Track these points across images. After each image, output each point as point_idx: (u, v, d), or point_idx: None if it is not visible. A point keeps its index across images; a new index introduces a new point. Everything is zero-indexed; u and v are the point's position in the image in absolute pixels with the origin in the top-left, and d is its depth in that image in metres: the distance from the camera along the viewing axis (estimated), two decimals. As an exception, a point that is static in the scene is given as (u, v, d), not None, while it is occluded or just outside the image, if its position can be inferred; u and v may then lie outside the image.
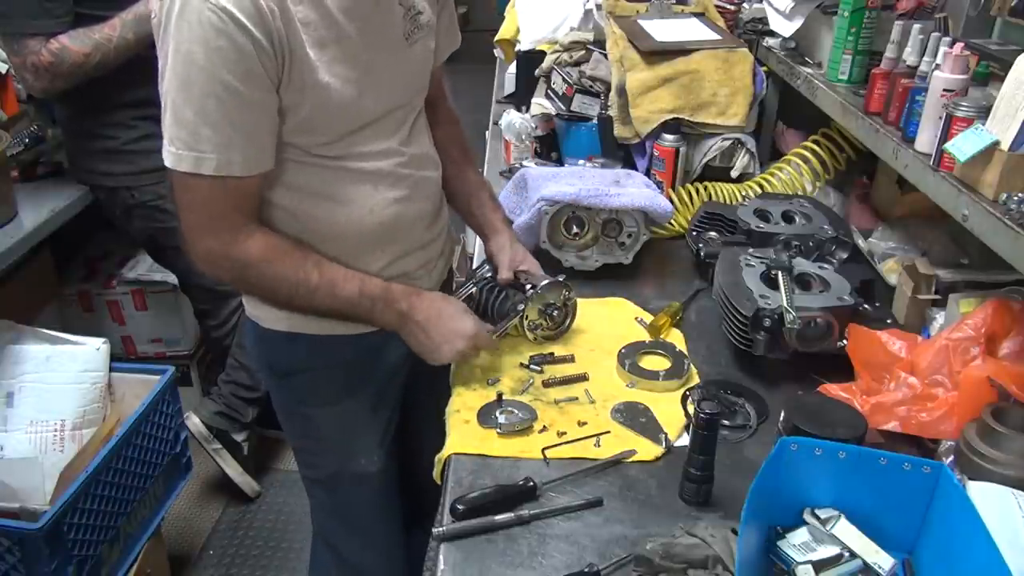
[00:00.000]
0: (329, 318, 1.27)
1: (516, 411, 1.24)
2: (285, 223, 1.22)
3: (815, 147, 1.90)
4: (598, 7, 2.20)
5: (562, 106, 2.06)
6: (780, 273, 1.37)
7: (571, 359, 1.39)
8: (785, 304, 1.30)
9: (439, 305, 1.30)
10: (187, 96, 1.05)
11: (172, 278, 2.52)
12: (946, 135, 1.17)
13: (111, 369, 1.97)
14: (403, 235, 1.30)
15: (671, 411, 1.26)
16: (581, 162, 1.92)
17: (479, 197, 1.51)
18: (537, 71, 2.22)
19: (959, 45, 1.22)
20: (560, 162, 2.07)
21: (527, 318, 1.39)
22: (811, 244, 1.56)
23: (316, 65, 1.11)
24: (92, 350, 1.93)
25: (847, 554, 0.98)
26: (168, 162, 1.10)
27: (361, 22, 1.15)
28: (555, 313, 1.42)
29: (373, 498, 1.49)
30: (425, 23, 1.27)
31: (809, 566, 0.96)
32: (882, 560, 0.97)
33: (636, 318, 1.51)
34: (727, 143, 1.91)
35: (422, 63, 1.31)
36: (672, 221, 1.76)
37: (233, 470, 2.41)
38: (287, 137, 1.16)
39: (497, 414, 1.23)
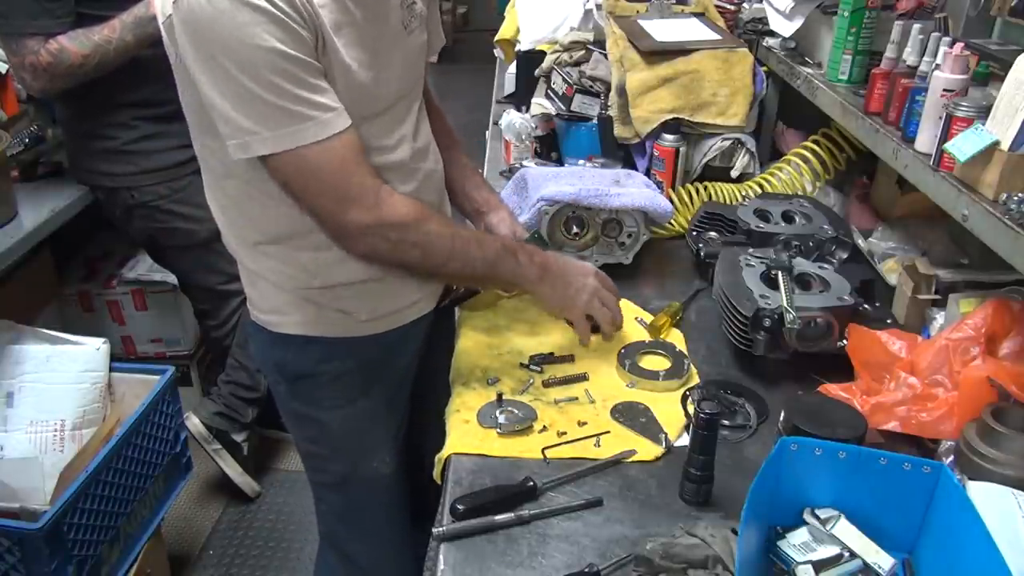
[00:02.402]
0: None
1: (516, 411, 1.24)
2: (300, 219, 1.19)
3: (815, 147, 1.90)
4: (598, 7, 2.20)
5: (562, 106, 2.06)
6: (780, 273, 1.37)
7: (571, 359, 1.39)
8: (785, 304, 1.30)
9: (555, 254, 1.36)
10: (254, 81, 1.03)
11: (172, 278, 2.52)
12: (946, 135, 1.17)
13: (111, 369, 1.97)
14: None
15: (671, 411, 1.26)
16: (581, 162, 1.92)
17: (474, 180, 1.51)
18: (537, 71, 2.22)
19: (959, 45, 1.22)
20: (560, 162, 2.07)
21: None
22: (811, 244, 1.56)
23: (337, 47, 1.11)
24: (92, 350, 1.93)
25: (847, 554, 0.98)
26: (266, 150, 1.07)
27: (364, 8, 1.15)
28: None
29: (384, 500, 1.48)
30: (419, 13, 1.28)
31: (809, 566, 0.96)
32: (882, 560, 0.97)
33: (636, 318, 1.51)
34: (727, 143, 1.91)
35: (419, 52, 1.31)
36: (672, 221, 1.76)
37: (233, 470, 2.41)
38: None
39: (497, 414, 1.23)
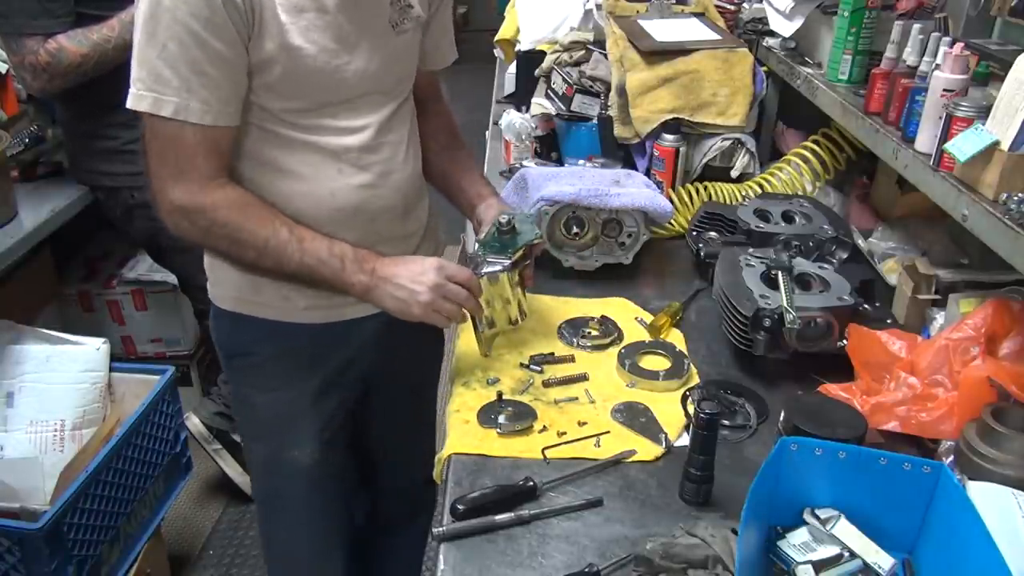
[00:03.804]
0: (296, 282, 1.25)
1: (516, 411, 1.24)
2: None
3: (815, 147, 1.90)
4: (598, 7, 2.20)
5: (562, 106, 2.06)
6: (780, 273, 1.37)
7: (571, 359, 1.39)
8: (785, 304, 1.30)
9: (397, 259, 1.27)
10: (150, 37, 1.08)
11: (172, 278, 2.52)
12: (946, 135, 1.17)
13: (111, 369, 1.97)
14: (365, 225, 1.27)
15: (671, 411, 1.26)
16: (581, 162, 1.92)
17: (471, 175, 1.48)
18: (537, 71, 2.22)
19: (959, 45, 1.22)
20: (560, 162, 2.07)
21: (487, 245, 1.33)
22: (811, 244, 1.56)
23: (287, 28, 1.12)
24: (92, 350, 1.93)
25: (847, 554, 0.98)
26: (129, 103, 1.12)
27: None
28: (503, 221, 1.34)
29: (306, 492, 1.45)
30: (415, 16, 1.27)
31: (809, 566, 0.96)
32: (882, 560, 0.97)
33: (636, 318, 1.51)
34: (727, 143, 1.91)
35: (407, 54, 1.30)
36: (672, 221, 1.76)
37: (233, 470, 2.41)
38: (257, 98, 1.16)
39: (497, 414, 1.23)
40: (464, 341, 1.42)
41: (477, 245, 1.35)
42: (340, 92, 1.20)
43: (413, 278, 1.23)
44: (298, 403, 1.38)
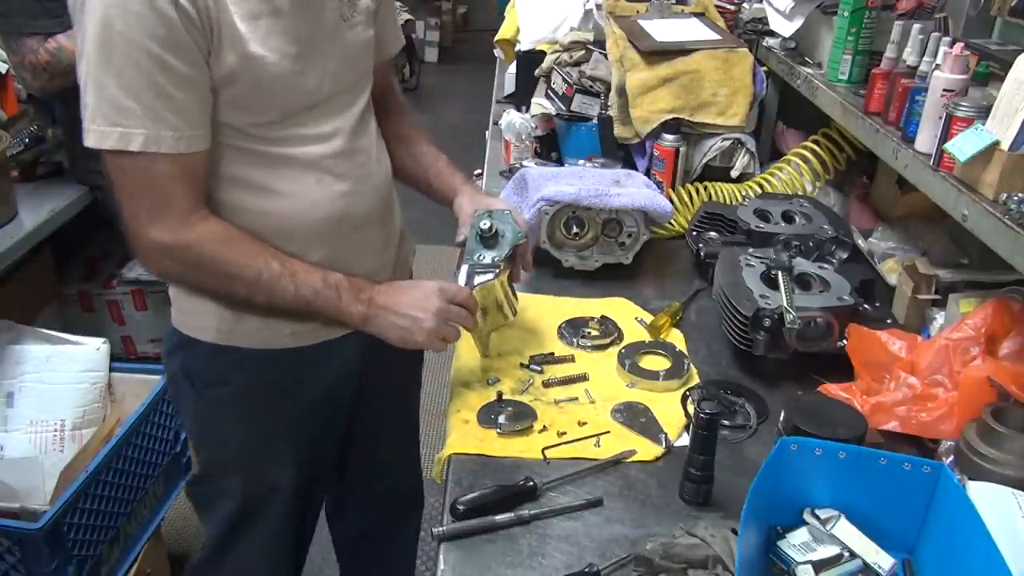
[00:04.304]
0: (286, 316, 1.20)
1: (516, 411, 1.24)
2: (224, 219, 1.15)
3: (815, 147, 1.90)
4: (598, 7, 2.21)
5: (562, 106, 2.06)
6: (780, 273, 1.37)
7: (571, 359, 1.39)
8: (785, 304, 1.30)
9: (394, 285, 1.25)
10: (107, 66, 1.00)
11: (172, 278, 2.52)
12: (946, 135, 1.17)
13: (111, 369, 1.97)
14: (349, 234, 1.24)
15: (671, 411, 1.26)
16: (581, 162, 1.92)
17: (436, 167, 1.45)
18: (537, 71, 2.22)
19: (959, 45, 1.22)
20: (560, 162, 2.07)
21: (475, 254, 1.32)
22: (811, 244, 1.56)
23: (247, 37, 1.06)
24: (92, 350, 1.93)
25: (847, 554, 0.98)
26: (91, 142, 1.04)
27: None
28: (485, 227, 1.32)
29: (282, 514, 1.39)
30: (364, 9, 1.23)
31: (809, 566, 0.96)
32: (882, 560, 0.97)
33: (636, 318, 1.51)
34: (727, 143, 1.91)
35: (362, 48, 1.26)
36: (672, 221, 1.76)
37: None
38: (223, 116, 1.10)
39: (497, 414, 1.23)
40: (464, 343, 1.42)
41: (465, 255, 1.34)
42: (304, 98, 1.16)
43: (415, 305, 1.20)
44: (282, 427, 1.32)
